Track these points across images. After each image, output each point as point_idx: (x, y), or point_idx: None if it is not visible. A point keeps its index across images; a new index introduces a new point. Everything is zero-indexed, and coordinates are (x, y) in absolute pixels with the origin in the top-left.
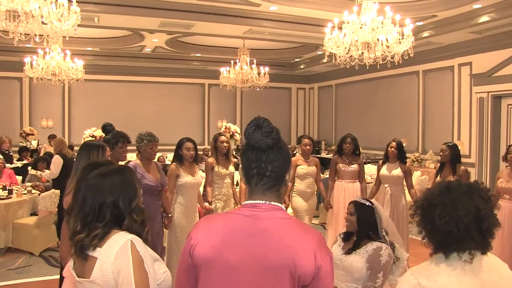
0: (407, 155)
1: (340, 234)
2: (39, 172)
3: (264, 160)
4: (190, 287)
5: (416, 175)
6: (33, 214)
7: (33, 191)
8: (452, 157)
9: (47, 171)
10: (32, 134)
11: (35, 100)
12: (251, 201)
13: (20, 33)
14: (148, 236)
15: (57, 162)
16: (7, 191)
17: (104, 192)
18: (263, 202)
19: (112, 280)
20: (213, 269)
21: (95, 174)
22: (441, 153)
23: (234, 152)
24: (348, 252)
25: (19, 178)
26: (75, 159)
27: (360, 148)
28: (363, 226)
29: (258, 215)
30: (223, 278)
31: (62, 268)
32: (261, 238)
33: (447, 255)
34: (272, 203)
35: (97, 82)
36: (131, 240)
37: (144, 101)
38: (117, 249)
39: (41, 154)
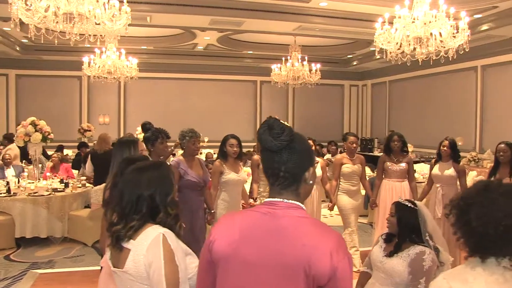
0: (464, 154)
1: (382, 235)
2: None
3: (276, 161)
4: (209, 281)
5: (472, 175)
6: (87, 206)
7: (87, 184)
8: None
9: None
10: (89, 130)
11: (93, 98)
12: (269, 199)
13: (75, 34)
14: (180, 230)
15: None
16: (63, 184)
17: (142, 186)
18: (281, 200)
19: (144, 271)
20: (230, 265)
21: (132, 168)
22: (501, 153)
23: None
24: (390, 254)
25: (75, 172)
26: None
27: (413, 146)
28: (404, 228)
29: (276, 213)
30: (239, 274)
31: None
32: (277, 235)
33: (484, 259)
34: (290, 201)
35: (151, 79)
36: (163, 234)
37: (196, 98)
38: (150, 242)
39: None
